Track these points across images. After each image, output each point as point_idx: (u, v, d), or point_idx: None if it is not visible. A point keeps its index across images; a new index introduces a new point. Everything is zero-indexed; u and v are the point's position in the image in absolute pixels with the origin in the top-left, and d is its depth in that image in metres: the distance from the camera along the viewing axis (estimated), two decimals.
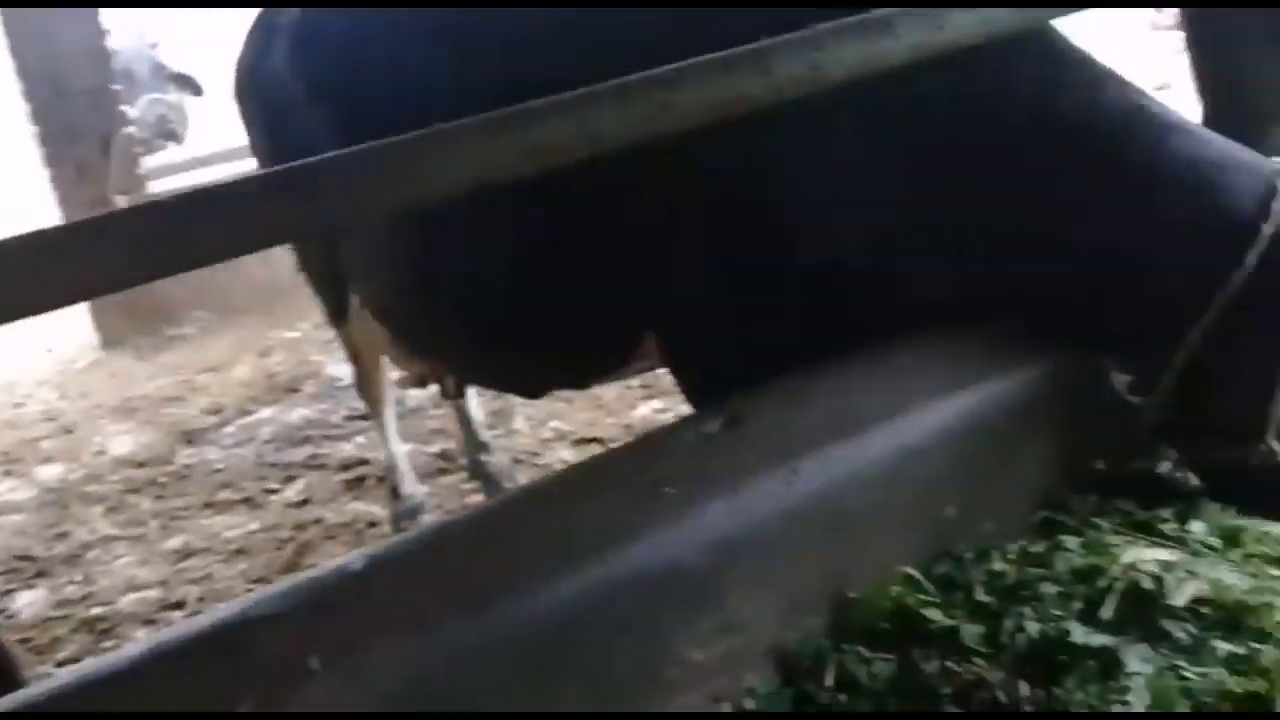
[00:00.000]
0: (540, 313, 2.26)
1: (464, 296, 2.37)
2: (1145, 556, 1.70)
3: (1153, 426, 1.97)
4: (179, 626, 1.40)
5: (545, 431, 4.66)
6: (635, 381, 4.54)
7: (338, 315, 3.56)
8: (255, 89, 3.12)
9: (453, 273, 2.34)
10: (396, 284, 2.55)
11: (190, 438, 5.57)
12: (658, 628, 1.52)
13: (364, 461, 4.76)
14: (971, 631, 1.66)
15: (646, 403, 4.64)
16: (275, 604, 1.37)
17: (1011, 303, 1.97)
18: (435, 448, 4.78)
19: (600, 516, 1.47)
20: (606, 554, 1.42)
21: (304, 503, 4.57)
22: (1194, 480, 2.06)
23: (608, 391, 4.70)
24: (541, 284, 2.22)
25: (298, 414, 5.60)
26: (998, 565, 1.78)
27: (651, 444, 1.60)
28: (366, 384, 4.07)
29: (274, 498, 4.70)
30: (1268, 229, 1.72)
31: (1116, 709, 1.45)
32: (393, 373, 4.05)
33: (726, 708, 1.69)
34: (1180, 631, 1.57)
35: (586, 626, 1.42)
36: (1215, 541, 1.82)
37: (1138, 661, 1.52)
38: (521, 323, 2.32)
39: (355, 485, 4.62)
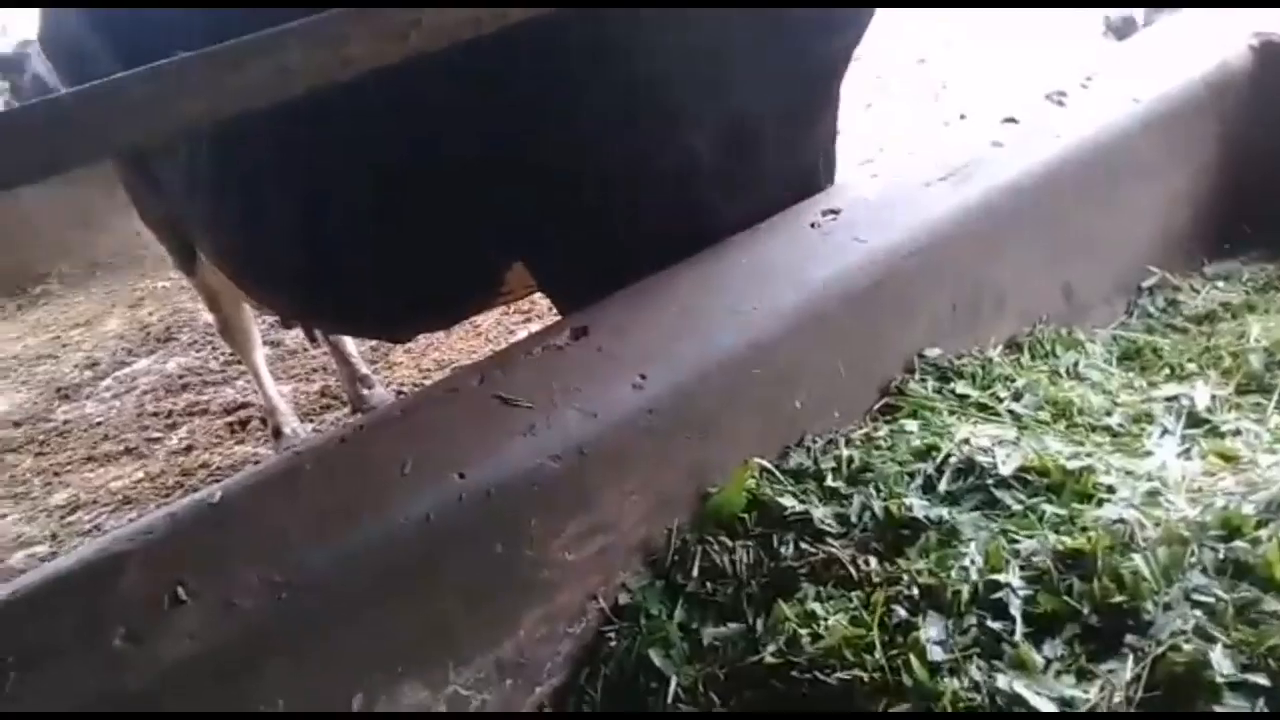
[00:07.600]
0: (397, 257, 2.19)
1: (306, 247, 2.25)
2: (978, 433, 1.81)
3: None
4: (42, 569, 1.40)
5: (426, 362, 4.65)
6: (512, 307, 4.54)
7: (186, 264, 3.47)
8: (59, 47, 3.02)
9: (289, 219, 2.23)
10: (230, 237, 2.43)
11: (66, 394, 5.41)
12: (525, 534, 1.57)
13: (246, 405, 4.70)
14: (823, 514, 1.76)
15: (525, 327, 4.62)
16: (136, 539, 1.39)
17: None
18: (316, 385, 4.74)
19: (453, 433, 1.51)
20: (464, 467, 1.46)
21: (188, 449, 4.50)
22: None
23: (485, 319, 4.70)
24: (394, 225, 2.14)
25: (175, 363, 5.48)
26: (845, 451, 1.88)
27: (500, 360, 1.63)
28: (229, 330, 4.00)
29: (157, 446, 4.61)
30: None
31: (954, 574, 1.55)
32: (259, 315, 4.00)
33: (602, 604, 1.78)
34: (1010, 499, 1.69)
35: (452, 538, 1.47)
36: (1045, 415, 1.95)
37: (972, 529, 1.63)
38: (376, 270, 2.24)
39: (239, 428, 4.57)
